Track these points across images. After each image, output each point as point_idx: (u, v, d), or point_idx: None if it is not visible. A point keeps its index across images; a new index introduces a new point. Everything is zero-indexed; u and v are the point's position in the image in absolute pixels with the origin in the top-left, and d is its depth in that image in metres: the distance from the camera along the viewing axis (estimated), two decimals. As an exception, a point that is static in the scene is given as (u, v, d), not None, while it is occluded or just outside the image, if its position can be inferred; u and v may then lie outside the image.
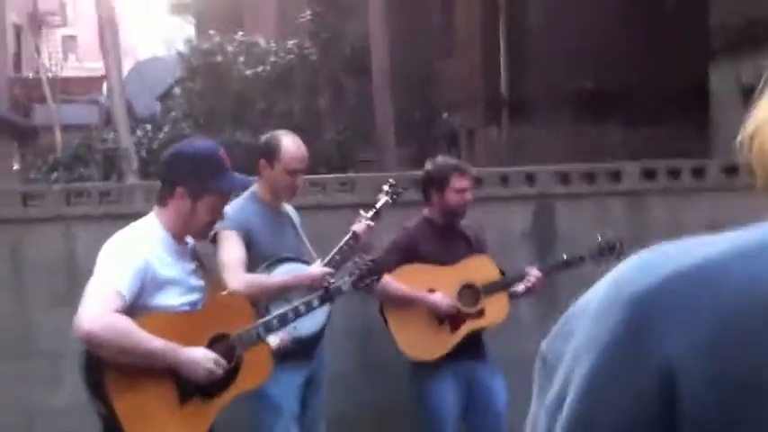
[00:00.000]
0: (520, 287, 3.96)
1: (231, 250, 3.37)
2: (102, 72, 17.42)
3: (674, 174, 4.90)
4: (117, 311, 2.49)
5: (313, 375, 3.66)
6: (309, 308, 3.07)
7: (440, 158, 4.11)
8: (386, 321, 3.86)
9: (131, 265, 2.57)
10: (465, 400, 3.92)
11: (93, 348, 2.51)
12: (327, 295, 3.17)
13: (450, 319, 3.82)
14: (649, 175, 4.87)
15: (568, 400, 0.73)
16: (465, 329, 3.84)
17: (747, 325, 0.67)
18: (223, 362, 2.66)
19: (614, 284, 0.75)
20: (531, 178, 4.77)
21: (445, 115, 15.81)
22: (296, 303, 3.04)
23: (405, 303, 3.81)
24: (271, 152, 3.55)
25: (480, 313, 3.86)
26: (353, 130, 14.97)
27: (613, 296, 0.74)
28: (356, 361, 4.44)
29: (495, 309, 3.89)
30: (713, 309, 0.69)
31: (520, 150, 13.14)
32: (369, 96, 15.24)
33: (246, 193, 3.60)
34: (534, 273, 3.93)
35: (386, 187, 3.87)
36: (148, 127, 17.28)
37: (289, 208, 3.76)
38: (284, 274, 3.45)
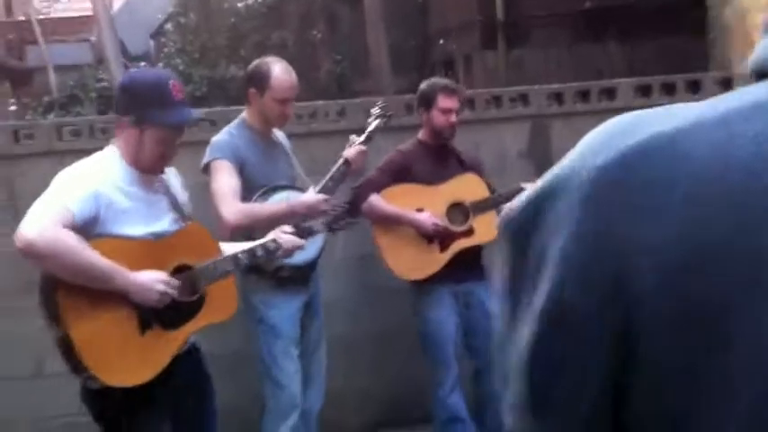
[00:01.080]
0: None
1: (224, 180, 3.36)
2: (92, 12, 17.13)
3: (670, 89, 4.84)
4: (63, 226, 2.37)
5: (310, 301, 3.71)
6: (277, 245, 2.99)
7: (433, 79, 4.10)
8: (376, 242, 3.88)
9: (84, 188, 2.47)
10: (464, 321, 3.95)
11: (34, 261, 2.39)
12: (299, 234, 3.13)
13: (439, 238, 3.83)
14: (644, 90, 4.82)
15: (541, 285, 0.72)
16: (454, 248, 3.85)
17: (714, 225, 0.65)
18: (176, 283, 2.57)
19: (581, 156, 0.73)
20: (524, 98, 4.72)
21: (441, 41, 15.62)
22: (265, 240, 2.98)
23: (392, 223, 3.82)
24: (260, 80, 3.52)
25: (469, 231, 3.87)
26: (350, 61, 14.82)
27: (578, 168, 0.72)
28: (355, 284, 4.47)
29: (486, 226, 3.88)
30: (678, 199, 0.67)
31: (518, 73, 13.01)
32: (362, 26, 15.03)
33: (236, 122, 3.58)
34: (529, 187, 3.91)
35: (375, 110, 3.83)
36: (142, 64, 17.16)
37: (280, 134, 3.74)
38: (279, 202, 3.45)
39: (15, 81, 21.47)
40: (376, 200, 3.75)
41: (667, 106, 0.75)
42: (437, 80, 4.08)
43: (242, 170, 3.44)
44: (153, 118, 2.61)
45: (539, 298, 0.72)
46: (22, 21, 24.74)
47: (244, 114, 3.62)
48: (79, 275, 2.42)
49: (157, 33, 22.01)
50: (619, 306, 0.68)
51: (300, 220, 3.32)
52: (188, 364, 2.74)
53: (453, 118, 3.88)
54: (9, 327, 4.19)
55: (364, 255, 4.44)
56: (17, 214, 4.14)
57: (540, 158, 4.70)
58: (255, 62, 3.66)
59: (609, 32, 12.97)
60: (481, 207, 3.86)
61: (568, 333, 0.71)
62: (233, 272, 2.84)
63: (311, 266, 3.62)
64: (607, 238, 0.69)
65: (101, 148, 4.09)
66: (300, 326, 3.63)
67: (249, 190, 3.43)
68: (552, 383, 0.72)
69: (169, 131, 2.66)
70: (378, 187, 3.76)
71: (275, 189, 3.50)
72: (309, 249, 3.52)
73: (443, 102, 3.85)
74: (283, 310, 3.53)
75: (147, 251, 2.60)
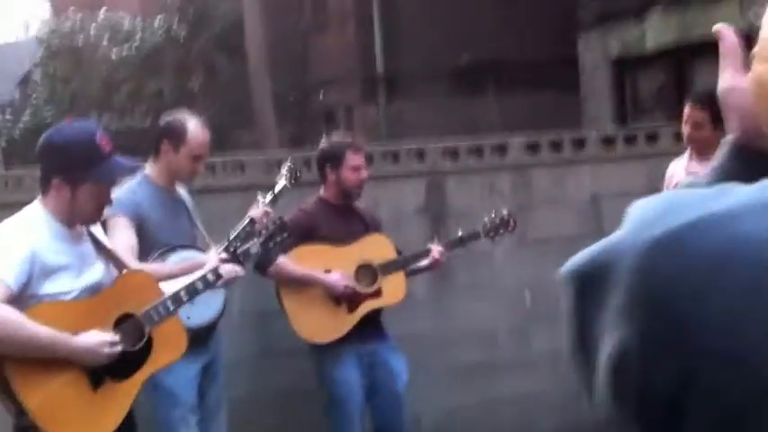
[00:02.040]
0: (423, 262, 3.98)
1: (121, 238, 3.23)
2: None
3: (556, 146, 5.03)
4: (2, 301, 2.39)
5: (209, 364, 3.59)
6: (217, 276, 3.00)
7: (334, 136, 4.09)
8: (281, 304, 3.81)
9: (16, 254, 2.46)
10: (368, 381, 3.92)
11: None
12: (236, 260, 3.10)
13: (348, 300, 3.80)
14: (533, 147, 4.98)
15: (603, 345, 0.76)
16: (362, 310, 3.83)
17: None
18: (116, 340, 2.57)
19: (636, 227, 0.78)
20: (420, 154, 4.79)
21: (321, 93, 15.74)
22: (204, 272, 2.96)
23: (300, 284, 3.77)
24: (175, 135, 3.43)
25: (377, 293, 3.86)
26: (228, 111, 14.68)
27: (633, 239, 0.76)
28: (255, 345, 4.36)
29: (393, 288, 3.90)
30: (732, 279, 0.68)
31: (398, 127, 13.25)
32: (242, 75, 14.95)
33: (138, 177, 3.46)
34: (437, 248, 3.96)
35: (284, 170, 3.80)
36: (8, 115, 16.47)
37: (182, 191, 3.64)
38: (178, 262, 3.34)
39: None
40: (284, 262, 3.69)
41: (721, 186, 0.77)
42: (340, 137, 4.07)
43: (141, 228, 3.32)
44: (87, 176, 2.58)
45: (602, 356, 0.76)
46: None
47: (147, 170, 3.50)
48: (22, 350, 2.42)
49: (23, 82, 21.20)
50: (673, 366, 0.70)
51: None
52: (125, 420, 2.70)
53: (364, 175, 3.89)
54: None
55: (263, 312, 4.35)
56: None
57: (436, 214, 4.77)
58: (167, 118, 3.59)
59: (484, 87, 13.44)
60: (389, 268, 3.87)
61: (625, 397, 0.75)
62: (175, 311, 2.81)
63: (211, 327, 3.51)
64: (660, 309, 0.71)
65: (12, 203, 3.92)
66: (199, 391, 3.50)
67: (149, 248, 3.31)
68: None
69: (104, 185, 2.65)
70: (285, 248, 3.69)
71: (174, 249, 3.38)
72: (210, 310, 3.42)
73: (353, 160, 3.85)
74: (180, 376, 3.38)
75: (88, 308, 2.59)
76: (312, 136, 16.50)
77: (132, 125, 14.07)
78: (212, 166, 4.40)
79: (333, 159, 3.88)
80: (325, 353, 3.84)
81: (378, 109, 14.40)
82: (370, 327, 3.88)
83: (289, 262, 3.71)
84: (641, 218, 0.77)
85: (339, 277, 3.76)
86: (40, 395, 2.46)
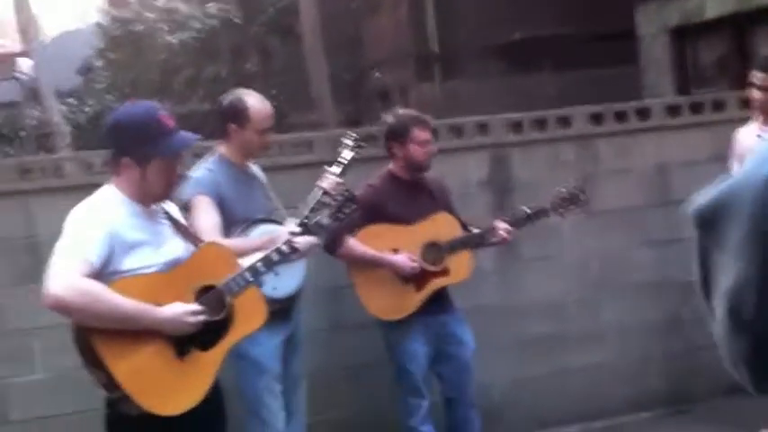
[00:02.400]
0: (492, 240, 4.01)
1: (205, 216, 3.34)
2: (10, 49, 16.81)
3: (620, 116, 5.01)
4: (85, 276, 2.46)
5: (292, 335, 3.69)
6: (291, 247, 3.05)
7: (398, 111, 4.10)
8: (352, 282, 3.88)
9: (96, 232, 2.55)
10: (434, 352, 3.99)
11: (65, 315, 2.49)
12: (309, 231, 3.14)
13: (416, 278, 3.85)
14: (596, 118, 4.98)
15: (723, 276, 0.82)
16: (430, 288, 3.87)
17: None
18: (200, 310, 2.64)
19: (754, 166, 0.84)
20: (483, 128, 4.82)
21: (376, 73, 15.79)
22: (279, 245, 3.02)
23: (369, 265, 3.83)
24: (240, 115, 3.52)
25: (444, 271, 3.90)
26: (286, 93, 14.83)
27: (751, 176, 0.83)
28: (327, 318, 4.46)
29: (459, 266, 3.93)
30: None
31: (454, 104, 13.23)
32: (298, 57, 15.08)
33: (214, 157, 3.57)
34: (502, 226, 3.97)
35: (348, 141, 3.86)
36: (71, 101, 16.86)
37: (255, 168, 3.74)
38: (260, 235, 3.43)
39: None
40: (353, 243, 3.74)
41: None
42: (405, 112, 4.09)
43: (221, 205, 3.42)
44: (153, 152, 2.65)
45: (723, 285, 0.82)
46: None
47: (221, 149, 3.61)
48: (109, 322, 2.50)
49: (84, 70, 21.65)
50: None
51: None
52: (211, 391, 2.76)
53: (431, 148, 3.93)
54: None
55: (334, 287, 4.45)
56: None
57: (501, 187, 4.80)
58: (227, 98, 3.64)
59: (540, 63, 13.32)
60: (456, 246, 3.90)
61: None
62: (254, 282, 2.87)
63: (293, 300, 3.61)
64: None
65: (68, 187, 4.08)
66: (282, 361, 3.61)
67: (229, 224, 3.42)
68: None
69: (171, 160, 2.71)
70: (352, 228, 3.74)
71: (254, 223, 3.49)
72: (290, 283, 3.52)
73: (419, 134, 3.87)
74: (265, 346, 3.50)
75: (169, 281, 2.66)
76: (368, 115, 16.60)
77: (192, 109, 14.30)
78: (280, 145, 4.50)
79: (399, 135, 3.90)
80: (393, 326, 3.90)
81: (433, 87, 14.38)
82: (438, 300, 3.93)
83: (357, 243, 3.76)
84: (757, 158, 0.82)
85: (406, 258, 3.80)
86: (128, 365, 2.53)
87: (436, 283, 3.88)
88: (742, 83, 4.19)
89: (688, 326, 4.89)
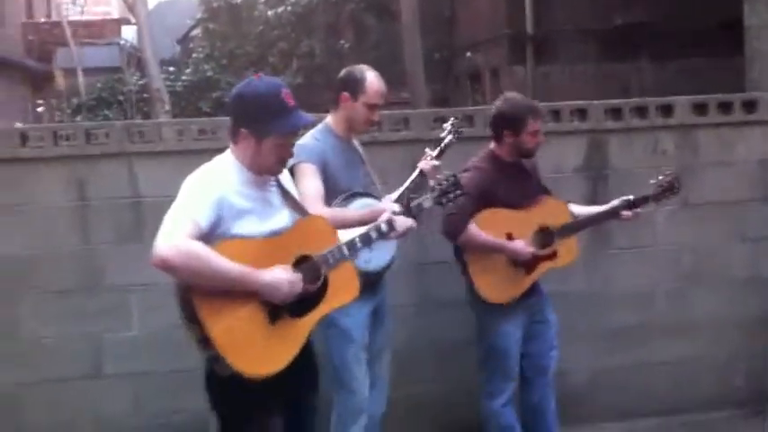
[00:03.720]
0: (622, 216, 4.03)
1: (309, 183, 3.41)
2: (114, 15, 17.29)
3: (725, 107, 4.87)
4: (193, 238, 2.56)
5: (377, 308, 3.75)
6: (391, 227, 3.07)
7: (514, 97, 4.02)
8: (464, 265, 3.90)
9: (207, 195, 2.65)
10: (523, 332, 4.01)
11: (170, 274, 2.57)
12: (409, 213, 3.15)
13: (526, 262, 3.88)
14: (701, 108, 4.85)
15: None
16: (539, 271, 3.92)
17: None
18: (298, 280, 2.71)
19: None
20: (582, 113, 4.76)
21: (468, 54, 15.69)
22: (378, 222, 3.05)
23: (487, 251, 3.86)
24: (355, 85, 3.58)
25: (553, 255, 3.93)
26: (378, 71, 14.89)
27: None
28: (414, 293, 4.51)
29: (566, 249, 3.97)
30: None
31: (546, 89, 13.07)
32: (391, 36, 15.12)
33: (321, 126, 3.63)
34: (627, 213, 3.99)
35: (448, 125, 3.90)
36: (171, 69, 17.29)
37: (356, 142, 3.79)
38: (360, 208, 3.49)
39: (36, 83, 21.61)
40: (474, 230, 3.76)
41: None
42: (520, 100, 4.00)
43: (325, 173, 3.49)
44: (271, 128, 2.73)
45: None
46: (45, 22, 24.92)
47: (328, 119, 3.68)
48: (212, 282, 2.58)
49: (184, 39, 22.16)
50: None
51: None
52: (304, 354, 2.83)
53: (542, 138, 3.94)
54: (71, 328, 4.26)
55: (422, 263, 4.49)
56: (87, 216, 4.25)
57: (596, 173, 4.74)
58: (347, 68, 3.72)
59: (637, 52, 13.02)
60: (566, 232, 3.93)
61: None
62: (350, 257, 2.93)
63: (382, 274, 3.67)
64: None
65: (175, 151, 4.23)
66: (369, 332, 3.67)
67: (330, 194, 3.48)
68: None
69: (286, 138, 2.80)
70: (470, 215, 3.77)
71: (354, 195, 3.55)
72: (382, 256, 3.57)
73: (533, 125, 3.87)
74: (355, 316, 3.57)
75: (270, 247, 2.73)
76: (457, 95, 16.52)
77: (287, 82, 14.53)
78: (378, 120, 4.54)
79: (513, 123, 3.88)
80: (489, 306, 3.92)
81: (525, 71, 14.23)
82: (534, 283, 3.96)
83: (478, 230, 3.78)
84: None
85: (524, 245, 3.83)
86: (222, 325, 2.61)
87: (545, 266, 3.91)
88: None
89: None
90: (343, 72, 3.72)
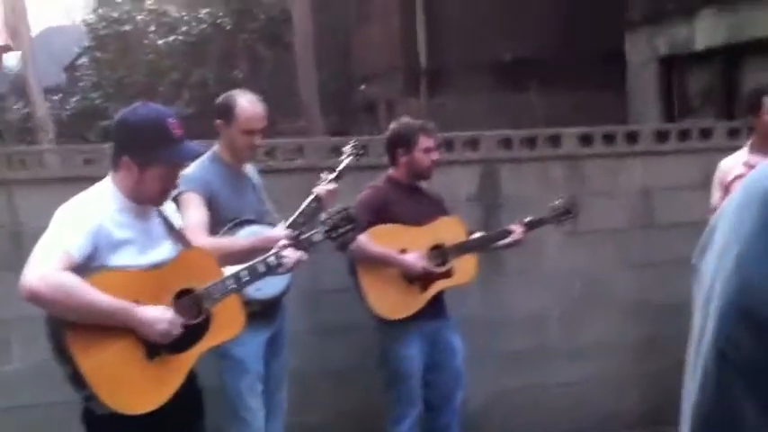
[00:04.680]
0: (501, 242, 4.07)
1: (193, 213, 3.34)
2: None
3: (609, 139, 5.06)
4: (63, 269, 2.44)
5: (275, 336, 3.68)
6: (280, 259, 3.01)
7: (404, 119, 4.13)
8: (357, 281, 3.87)
9: (82, 226, 2.53)
10: (427, 359, 4.00)
11: (39, 306, 2.47)
12: (300, 247, 3.10)
13: (420, 279, 3.88)
14: (586, 140, 5.02)
15: (719, 285, 0.80)
16: (434, 289, 3.92)
17: None
18: (179, 320, 2.61)
19: (745, 189, 0.83)
20: (474, 143, 4.85)
21: (363, 86, 15.82)
22: (266, 255, 2.99)
23: (379, 264, 3.84)
24: (226, 112, 3.54)
25: (448, 273, 3.93)
26: (273, 101, 14.84)
27: (749, 195, 0.82)
28: (307, 321, 4.46)
29: (464, 269, 3.99)
30: None
31: (440, 120, 13.29)
32: (286, 66, 15.09)
33: (208, 154, 3.56)
34: (518, 229, 4.04)
35: (348, 148, 3.89)
36: (56, 97, 16.77)
37: (250, 168, 3.74)
38: (247, 236, 3.43)
39: None
40: (365, 241, 3.75)
41: None
42: (410, 121, 4.11)
43: (211, 203, 3.42)
44: (155, 158, 2.63)
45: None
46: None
47: (215, 148, 3.61)
48: (84, 316, 2.48)
49: (71, 66, 21.54)
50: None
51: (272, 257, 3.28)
52: (186, 384, 2.74)
53: (436, 156, 3.97)
54: None
55: (319, 290, 4.45)
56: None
57: (489, 202, 4.83)
58: (223, 95, 3.68)
59: (527, 83, 13.40)
60: (461, 250, 3.94)
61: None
62: (236, 290, 2.84)
63: (278, 301, 3.61)
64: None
65: (53, 179, 4.05)
66: (264, 361, 3.60)
67: (217, 222, 3.41)
68: None
69: (172, 169, 2.70)
70: (362, 228, 3.76)
71: (242, 223, 3.48)
72: (278, 283, 3.51)
73: (425, 142, 3.93)
74: (248, 346, 3.49)
75: (150, 280, 2.63)
76: (353, 127, 16.63)
77: (177, 112, 14.28)
78: (272, 149, 4.50)
79: (405, 141, 3.95)
80: (391, 329, 3.91)
81: (419, 102, 14.43)
82: (435, 305, 3.97)
83: (368, 242, 3.77)
84: (749, 182, 0.85)
85: (416, 258, 3.83)
86: (95, 360, 2.50)
87: (441, 285, 3.91)
88: (728, 113, 4.25)
89: (662, 347, 4.94)
90: (219, 99, 3.67)
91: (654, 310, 5.02)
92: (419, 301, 3.88)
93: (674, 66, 9.34)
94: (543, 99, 13.09)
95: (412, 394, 3.94)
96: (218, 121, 3.56)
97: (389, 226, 3.86)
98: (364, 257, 3.80)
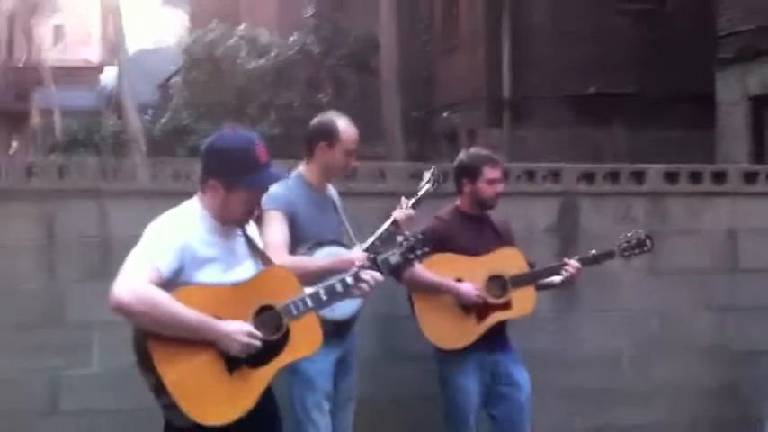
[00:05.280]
0: (555, 278, 4.02)
1: (275, 231, 3.42)
2: (94, 61, 17.42)
3: (695, 177, 4.97)
4: (151, 283, 2.54)
5: (344, 356, 3.72)
6: (357, 279, 3.04)
7: (472, 149, 4.17)
8: (413, 308, 3.89)
9: (170, 242, 2.64)
10: (487, 391, 3.97)
11: (126, 318, 2.56)
12: (375, 267, 3.12)
13: (477, 309, 3.87)
14: (671, 177, 4.95)
15: None
16: (491, 320, 3.88)
17: None
18: (258, 334, 2.68)
19: None
20: (556, 175, 4.83)
21: (445, 114, 15.90)
22: (343, 275, 3.02)
23: (433, 291, 3.85)
24: (329, 134, 3.61)
25: (507, 304, 3.91)
26: (355, 126, 15.03)
27: None
28: (381, 346, 4.48)
29: (523, 301, 3.94)
30: None
31: (521, 151, 13.23)
32: (369, 92, 15.30)
33: (293, 175, 3.65)
34: (573, 263, 3.99)
35: (427, 175, 3.93)
36: (149, 114, 17.36)
37: (332, 191, 3.81)
38: (325, 257, 3.49)
39: (12, 123, 21.59)
40: (419, 268, 3.76)
41: None
42: (478, 150, 4.16)
43: (293, 222, 3.50)
44: (241, 183, 2.72)
45: None
46: (25, 65, 24.97)
47: (301, 169, 3.70)
48: (169, 329, 2.57)
49: (164, 85, 22.27)
50: None
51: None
52: (263, 400, 2.78)
53: (499, 188, 3.97)
54: (28, 363, 4.18)
55: (390, 315, 4.47)
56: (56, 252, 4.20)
57: (568, 235, 4.79)
58: (318, 118, 3.75)
59: (611, 119, 13.25)
60: (520, 281, 3.92)
61: None
62: (314, 308, 2.89)
63: (350, 322, 3.65)
64: None
65: (148, 192, 4.21)
66: (333, 380, 3.64)
67: (298, 242, 3.49)
68: None
69: (256, 193, 2.80)
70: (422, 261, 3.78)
71: (321, 244, 3.55)
72: (352, 304, 3.55)
73: (490, 173, 3.94)
74: (319, 364, 3.53)
75: (231, 296, 2.71)
76: (434, 155, 16.71)
77: (263, 132, 14.60)
78: (354, 171, 4.57)
79: (470, 172, 3.98)
80: (449, 358, 3.90)
81: (501, 132, 14.41)
82: (496, 337, 3.93)
83: (423, 269, 3.79)
84: None
85: (471, 286, 3.83)
86: (177, 372, 2.58)
87: (498, 316, 3.89)
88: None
89: (737, 394, 4.79)
90: (314, 122, 3.74)
91: (731, 356, 4.88)
92: (475, 331, 3.85)
93: (764, 105, 9.12)
94: (627, 135, 12.93)
95: (466, 425, 3.90)
96: (321, 144, 3.62)
97: (447, 255, 3.84)
98: (417, 285, 3.81)
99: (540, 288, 4.04)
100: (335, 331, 3.55)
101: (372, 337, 4.38)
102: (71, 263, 4.24)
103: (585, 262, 4.05)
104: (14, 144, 18.42)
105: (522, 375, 4.01)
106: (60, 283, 4.23)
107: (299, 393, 3.57)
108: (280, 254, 3.34)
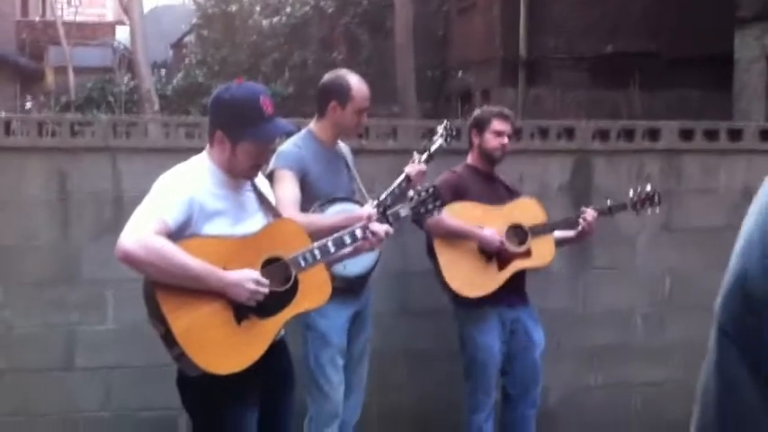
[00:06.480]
0: (570, 233, 4.02)
1: (285, 189, 3.41)
2: (108, 17, 17.30)
3: (711, 135, 4.92)
4: (158, 234, 2.55)
5: (359, 312, 3.73)
6: (365, 232, 3.04)
7: (486, 106, 4.18)
8: (434, 258, 3.88)
9: (178, 195, 2.64)
10: (505, 348, 3.99)
11: (133, 268, 2.57)
12: (386, 221, 3.12)
13: (498, 258, 3.87)
14: (687, 134, 4.89)
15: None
16: (512, 269, 3.89)
17: None
18: (266, 282, 2.69)
19: (759, 193, 0.91)
20: (570, 133, 4.79)
21: (459, 73, 15.77)
22: (353, 227, 3.03)
23: (455, 238, 3.84)
24: (341, 92, 3.58)
25: (527, 253, 3.91)
26: (369, 86, 14.94)
27: (758, 199, 0.90)
28: (394, 301, 4.50)
29: (542, 250, 3.95)
30: None
31: (535, 112, 13.13)
32: (383, 52, 15.18)
33: (303, 133, 3.63)
34: (590, 212, 3.99)
35: (440, 129, 3.90)
36: (162, 72, 17.33)
37: (343, 146, 3.79)
38: (336, 213, 3.48)
39: (26, 80, 21.58)
40: (443, 215, 3.76)
41: None
42: (491, 107, 4.15)
43: (304, 180, 3.49)
44: (246, 134, 2.72)
45: None
46: (39, 21, 24.91)
47: (311, 126, 3.67)
48: (175, 278, 2.58)
49: (178, 44, 22.19)
50: None
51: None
52: (277, 354, 2.81)
53: (505, 140, 3.96)
54: (45, 319, 4.22)
55: (405, 272, 4.48)
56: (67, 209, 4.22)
57: (581, 192, 4.76)
58: (329, 76, 3.70)
59: (628, 80, 13.10)
60: (540, 231, 3.92)
61: None
62: (323, 260, 2.90)
63: (364, 278, 3.65)
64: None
65: (160, 149, 4.21)
66: (347, 337, 3.66)
67: (310, 200, 3.48)
68: None
69: (261, 145, 2.79)
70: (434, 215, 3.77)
71: (333, 201, 3.54)
72: (364, 261, 3.56)
73: (497, 125, 3.94)
74: (333, 320, 3.56)
75: (239, 248, 2.72)
76: (447, 114, 16.62)
77: (276, 91, 14.56)
78: (366, 130, 4.55)
79: (479, 124, 3.99)
80: (469, 314, 3.91)
81: (516, 93, 14.28)
82: (516, 292, 3.95)
83: (446, 216, 3.77)
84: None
85: (494, 233, 3.82)
86: (186, 322, 2.60)
87: (518, 264, 3.89)
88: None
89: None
90: (325, 80, 3.69)
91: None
92: (497, 279, 3.85)
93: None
94: (643, 95, 12.79)
95: (488, 384, 3.93)
96: (333, 103, 3.59)
97: (468, 203, 3.86)
98: (441, 231, 3.80)
99: (556, 244, 4.03)
100: (349, 288, 3.57)
101: (385, 292, 4.39)
102: (85, 220, 4.26)
103: (602, 212, 4.05)
104: (29, 102, 18.41)
105: (538, 334, 4.04)
106: (74, 239, 4.26)
107: (314, 349, 3.59)
108: (290, 211, 3.34)
